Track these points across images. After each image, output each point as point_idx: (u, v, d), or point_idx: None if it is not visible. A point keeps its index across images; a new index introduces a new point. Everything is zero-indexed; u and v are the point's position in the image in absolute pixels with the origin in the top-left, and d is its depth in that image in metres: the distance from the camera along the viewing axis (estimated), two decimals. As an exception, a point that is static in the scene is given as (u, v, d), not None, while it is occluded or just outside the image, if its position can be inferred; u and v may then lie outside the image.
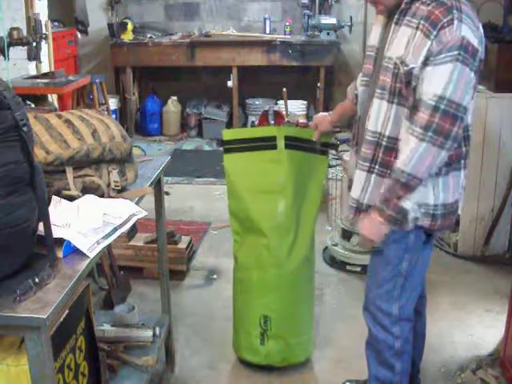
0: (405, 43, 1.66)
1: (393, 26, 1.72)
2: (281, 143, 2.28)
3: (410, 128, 1.67)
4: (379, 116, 1.76)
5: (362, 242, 1.89)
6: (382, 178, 1.79)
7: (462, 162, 1.79)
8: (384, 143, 1.76)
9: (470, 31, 1.61)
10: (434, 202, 1.76)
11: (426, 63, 1.62)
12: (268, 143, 2.30)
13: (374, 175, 1.81)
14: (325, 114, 2.30)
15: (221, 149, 2.40)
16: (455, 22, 1.58)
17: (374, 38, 1.86)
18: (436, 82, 1.61)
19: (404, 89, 1.68)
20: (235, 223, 2.40)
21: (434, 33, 1.59)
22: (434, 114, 1.62)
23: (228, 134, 2.38)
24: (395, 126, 1.73)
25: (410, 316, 1.95)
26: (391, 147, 1.75)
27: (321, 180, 2.40)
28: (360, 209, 1.88)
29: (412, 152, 1.66)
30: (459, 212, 1.91)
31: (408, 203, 1.72)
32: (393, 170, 1.72)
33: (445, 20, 1.59)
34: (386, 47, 1.74)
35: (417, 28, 1.63)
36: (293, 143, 2.30)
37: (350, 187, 2.05)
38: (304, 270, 2.37)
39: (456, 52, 1.59)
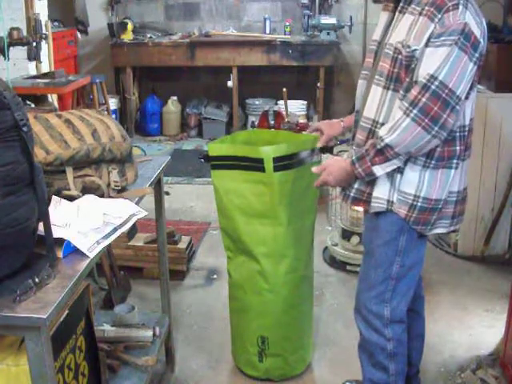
0: (406, 29, 1.67)
1: (396, 14, 1.73)
2: (269, 166, 2.07)
3: (401, 103, 1.67)
4: (374, 102, 1.77)
5: (320, 179, 1.90)
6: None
7: (455, 161, 1.76)
8: (378, 130, 1.75)
9: (473, 21, 1.61)
10: (416, 192, 1.75)
11: (427, 45, 1.62)
12: (256, 164, 2.11)
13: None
14: (334, 120, 2.22)
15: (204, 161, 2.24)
16: (460, 7, 1.59)
17: (377, 33, 1.87)
18: (431, 63, 1.61)
19: (403, 73, 1.68)
20: (227, 240, 2.32)
21: (439, 16, 1.60)
22: (423, 92, 1.61)
23: (214, 149, 2.20)
24: (389, 113, 1.73)
25: (403, 318, 1.94)
26: None
27: (314, 190, 2.26)
28: (348, 194, 1.89)
29: (395, 124, 1.66)
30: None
31: (379, 170, 1.73)
32: (375, 135, 1.74)
33: (450, 4, 1.59)
34: (388, 36, 1.75)
35: (420, 14, 1.64)
36: (283, 163, 2.10)
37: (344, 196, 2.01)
38: (302, 288, 2.32)
39: (456, 37, 1.58)
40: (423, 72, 1.62)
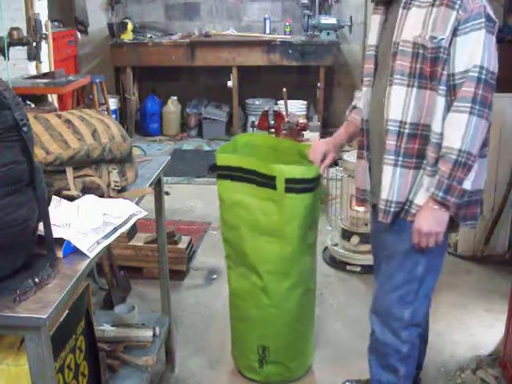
0: (420, 23, 1.64)
1: (400, 11, 1.70)
2: (281, 186, 2.02)
3: (454, 106, 1.62)
4: (399, 103, 1.71)
5: (421, 240, 1.72)
6: (407, 170, 1.73)
7: (486, 148, 1.75)
8: (407, 131, 1.71)
9: (486, 2, 1.64)
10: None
11: (455, 34, 1.60)
12: (267, 181, 2.05)
13: (398, 168, 1.74)
14: (327, 140, 2.10)
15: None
16: None
17: (372, 38, 1.85)
18: (470, 52, 1.60)
19: (427, 67, 1.64)
20: (229, 250, 2.28)
21: (458, 2, 1.59)
22: (479, 85, 1.60)
23: (223, 159, 2.13)
24: (417, 111, 1.69)
25: (420, 321, 1.92)
26: (413, 134, 1.71)
27: (319, 207, 2.22)
28: (388, 210, 1.78)
29: (465, 128, 1.60)
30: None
31: (468, 183, 1.65)
32: (445, 154, 1.63)
33: None
34: (396, 34, 1.70)
35: (433, 5, 1.62)
36: (295, 186, 2.02)
37: (359, 199, 1.99)
38: (305, 301, 2.28)
39: (482, 19, 1.60)
40: (467, 63, 1.60)
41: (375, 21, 1.84)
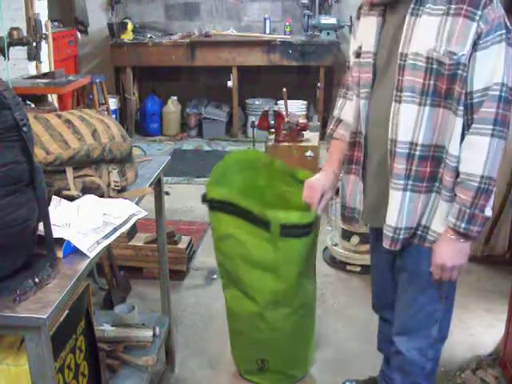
0: (434, 34, 1.49)
1: (407, 17, 1.53)
2: (276, 230, 1.91)
3: (474, 128, 1.51)
4: (410, 123, 1.56)
5: (443, 276, 1.63)
6: (418, 194, 1.61)
7: None
8: (417, 153, 1.57)
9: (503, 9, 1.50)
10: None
11: (474, 48, 1.47)
12: (261, 223, 1.93)
13: (408, 193, 1.61)
14: (322, 177, 1.88)
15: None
16: None
17: (368, 44, 1.66)
18: (491, 69, 1.47)
19: (442, 84, 1.51)
20: (223, 272, 2.20)
21: (479, 13, 1.45)
22: (499, 104, 1.48)
23: (214, 193, 2.01)
24: (429, 131, 1.56)
25: (446, 335, 1.82)
26: (425, 156, 1.58)
27: (316, 243, 2.10)
28: (397, 238, 1.65)
29: (487, 152, 1.50)
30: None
31: (489, 210, 1.55)
32: (464, 180, 1.53)
33: None
34: (403, 44, 1.55)
35: (447, 14, 1.48)
36: (291, 231, 1.92)
37: (347, 217, 1.86)
38: (304, 321, 2.23)
39: (502, 31, 1.47)
40: (487, 81, 1.48)
41: (369, 23, 1.66)
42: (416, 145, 1.57)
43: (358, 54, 1.72)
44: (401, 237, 1.65)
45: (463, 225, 1.54)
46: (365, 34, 1.69)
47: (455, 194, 1.57)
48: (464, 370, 2.43)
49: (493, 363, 2.45)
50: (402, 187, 1.61)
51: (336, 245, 3.37)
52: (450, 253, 1.59)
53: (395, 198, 1.62)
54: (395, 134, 1.59)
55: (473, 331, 2.73)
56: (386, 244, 1.68)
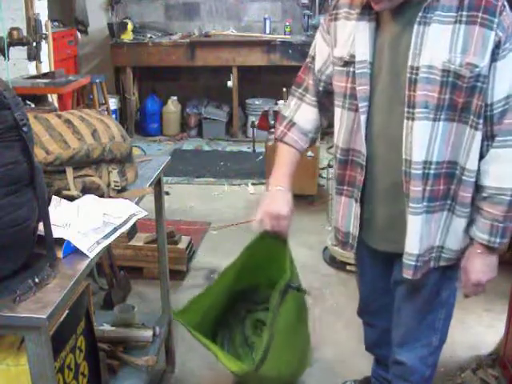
0: (447, 44, 1.40)
1: (416, 27, 1.41)
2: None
3: (499, 140, 1.45)
4: (424, 141, 1.46)
5: (477, 292, 1.64)
6: (431, 215, 1.54)
7: None
8: (432, 171, 1.49)
9: None
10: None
11: (493, 58, 1.40)
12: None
13: (424, 215, 1.53)
14: (281, 199, 1.68)
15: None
16: (504, 2, 1.40)
17: (362, 52, 1.51)
18: (510, 77, 1.42)
19: (460, 98, 1.43)
20: None
21: (496, 20, 1.37)
22: None
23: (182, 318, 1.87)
24: (442, 147, 1.47)
25: (446, 339, 1.81)
26: (438, 173, 1.50)
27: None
28: (421, 265, 1.58)
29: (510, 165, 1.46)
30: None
31: None
32: (493, 195, 1.48)
33: (499, 3, 1.39)
34: (412, 56, 1.43)
35: (459, 22, 1.38)
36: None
37: (341, 241, 1.77)
38: (300, 350, 2.13)
39: None
40: (508, 90, 1.42)
41: (361, 29, 1.51)
42: (430, 163, 1.49)
43: (345, 63, 1.56)
44: (422, 265, 1.58)
45: (498, 240, 1.52)
46: (357, 41, 1.52)
47: (479, 209, 1.52)
48: (464, 370, 2.43)
49: (493, 363, 2.45)
50: (420, 211, 1.52)
51: (336, 245, 3.36)
52: (484, 268, 1.58)
53: (415, 224, 1.53)
54: (410, 155, 1.49)
55: (473, 331, 2.73)
56: (407, 274, 1.59)
